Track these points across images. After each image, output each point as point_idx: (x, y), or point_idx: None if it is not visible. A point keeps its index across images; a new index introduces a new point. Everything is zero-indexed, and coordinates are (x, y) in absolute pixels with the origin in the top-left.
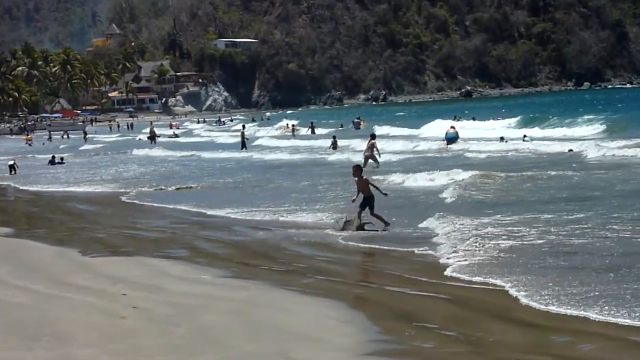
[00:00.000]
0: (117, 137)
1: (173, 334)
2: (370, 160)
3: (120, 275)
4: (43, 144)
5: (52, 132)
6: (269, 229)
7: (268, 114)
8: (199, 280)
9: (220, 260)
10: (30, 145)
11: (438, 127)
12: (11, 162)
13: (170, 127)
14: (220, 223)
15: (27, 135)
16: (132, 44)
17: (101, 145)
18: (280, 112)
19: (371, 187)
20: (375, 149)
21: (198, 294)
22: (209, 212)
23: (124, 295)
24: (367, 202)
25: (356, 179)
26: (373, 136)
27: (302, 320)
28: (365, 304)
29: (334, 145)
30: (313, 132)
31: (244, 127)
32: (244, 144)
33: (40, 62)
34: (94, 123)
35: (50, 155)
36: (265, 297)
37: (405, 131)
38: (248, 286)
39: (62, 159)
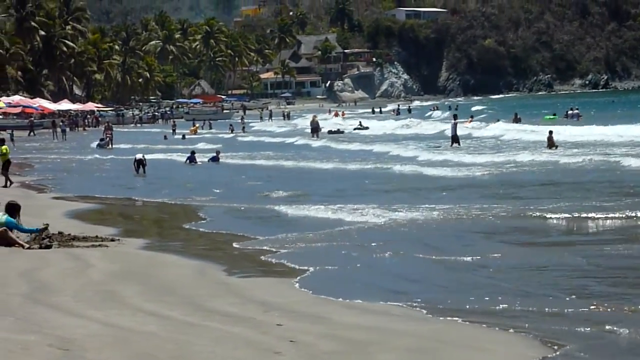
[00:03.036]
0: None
1: None
2: None
3: (275, 301)
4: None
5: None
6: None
7: (458, 100)
8: (371, 309)
9: None
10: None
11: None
12: (140, 157)
13: (336, 116)
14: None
15: (195, 125)
16: (291, 13)
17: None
18: (473, 98)
19: None
20: None
21: (370, 327)
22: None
23: (279, 325)
24: None
25: None
26: None
27: None
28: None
29: (550, 143)
30: (517, 122)
31: (455, 117)
32: (455, 139)
33: (177, 36)
34: (245, 111)
35: (189, 152)
36: (456, 332)
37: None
38: (434, 318)
39: (217, 153)
